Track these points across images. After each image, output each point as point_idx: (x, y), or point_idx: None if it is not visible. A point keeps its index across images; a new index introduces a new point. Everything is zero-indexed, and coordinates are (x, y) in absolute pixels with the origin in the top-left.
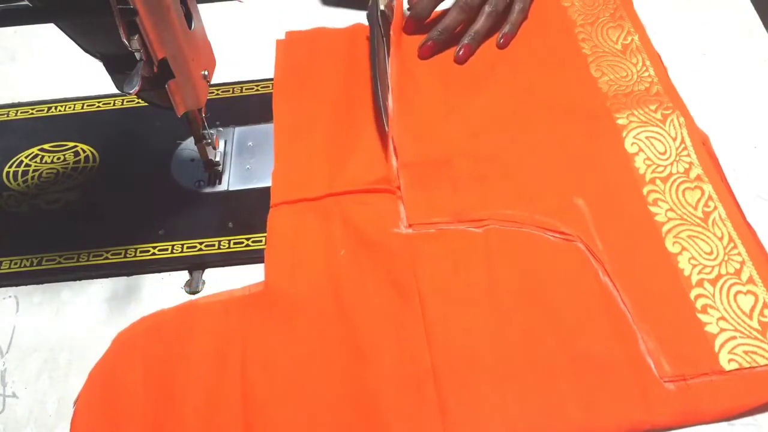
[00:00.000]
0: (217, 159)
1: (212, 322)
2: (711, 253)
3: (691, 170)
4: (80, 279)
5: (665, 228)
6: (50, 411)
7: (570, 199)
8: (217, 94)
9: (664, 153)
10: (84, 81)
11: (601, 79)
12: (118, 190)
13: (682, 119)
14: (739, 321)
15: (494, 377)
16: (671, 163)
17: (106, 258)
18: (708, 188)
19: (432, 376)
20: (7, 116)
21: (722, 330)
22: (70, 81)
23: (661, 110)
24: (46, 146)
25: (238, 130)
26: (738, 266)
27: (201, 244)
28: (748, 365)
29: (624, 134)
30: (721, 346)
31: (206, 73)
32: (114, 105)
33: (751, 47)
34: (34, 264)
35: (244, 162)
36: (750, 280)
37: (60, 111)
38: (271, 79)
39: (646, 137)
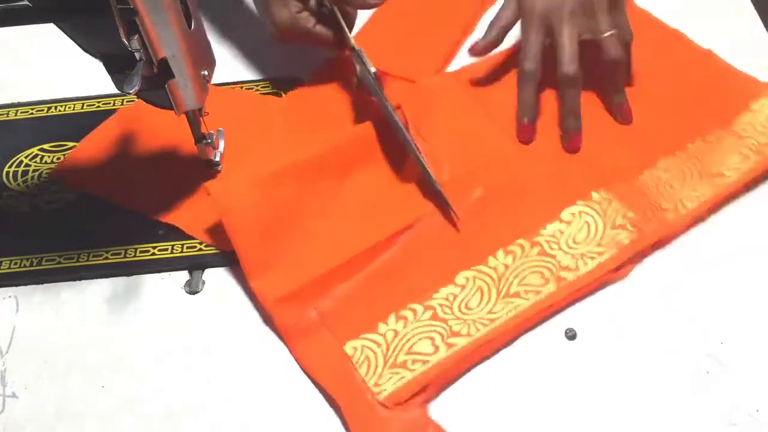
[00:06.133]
0: (217, 159)
1: None
2: None
3: None
4: (80, 279)
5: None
6: (50, 411)
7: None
8: None
9: None
10: (84, 81)
11: None
12: None
13: None
14: None
15: None
16: None
17: (106, 258)
18: None
19: None
20: (7, 116)
21: None
22: (70, 81)
23: None
24: (46, 146)
25: None
26: None
27: (201, 244)
28: None
29: None
30: None
31: (206, 73)
32: (114, 105)
33: (752, 48)
34: (34, 264)
35: None
36: None
37: (60, 111)
38: (271, 79)
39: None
